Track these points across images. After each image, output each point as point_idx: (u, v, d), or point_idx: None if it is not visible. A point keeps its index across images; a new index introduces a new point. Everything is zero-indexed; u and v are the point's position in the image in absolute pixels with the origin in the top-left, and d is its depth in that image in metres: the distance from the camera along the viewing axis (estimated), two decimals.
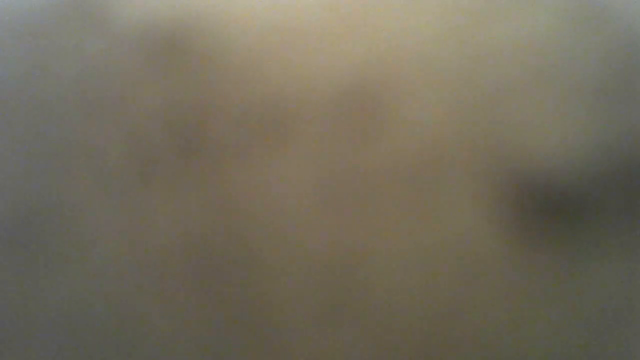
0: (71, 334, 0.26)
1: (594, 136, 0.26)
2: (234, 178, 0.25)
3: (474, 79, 0.26)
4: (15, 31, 0.28)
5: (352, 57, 0.26)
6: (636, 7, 0.27)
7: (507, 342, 0.26)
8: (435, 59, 0.26)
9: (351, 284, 0.25)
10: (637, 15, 0.27)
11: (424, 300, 0.25)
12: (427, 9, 0.26)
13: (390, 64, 0.26)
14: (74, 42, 0.27)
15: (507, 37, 0.26)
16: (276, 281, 0.25)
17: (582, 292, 0.26)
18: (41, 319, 0.26)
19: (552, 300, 0.26)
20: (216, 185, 0.25)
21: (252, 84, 0.26)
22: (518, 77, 0.26)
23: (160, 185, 0.26)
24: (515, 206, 0.26)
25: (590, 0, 0.27)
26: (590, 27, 0.27)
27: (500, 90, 0.26)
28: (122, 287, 0.26)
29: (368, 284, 0.25)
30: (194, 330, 0.26)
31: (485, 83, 0.26)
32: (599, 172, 0.26)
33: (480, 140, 0.26)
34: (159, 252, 0.26)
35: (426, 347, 0.25)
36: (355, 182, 0.25)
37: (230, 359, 0.26)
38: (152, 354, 0.26)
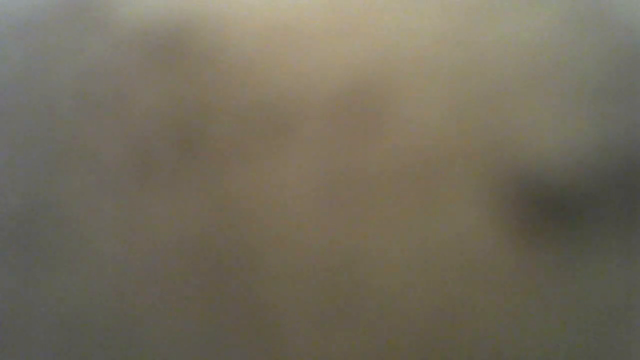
0: (71, 333, 0.26)
1: (594, 136, 0.26)
2: (234, 178, 0.25)
3: (474, 79, 0.26)
4: (15, 31, 0.28)
5: (353, 57, 0.26)
6: (636, 7, 0.27)
7: (507, 342, 0.26)
8: (435, 59, 0.26)
9: (352, 284, 0.25)
10: (637, 15, 0.27)
11: (425, 300, 0.25)
12: (427, 8, 0.26)
13: (390, 64, 0.26)
14: (74, 42, 0.27)
15: (507, 37, 0.26)
16: (277, 281, 0.25)
17: (582, 292, 0.26)
18: (41, 319, 0.26)
19: (552, 300, 0.26)
20: (216, 185, 0.25)
21: (253, 84, 0.26)
22: (518, 77, 0.26)
23: (161, 185, 0.26)
24: (515, 206, 0.26)
25: (590, 0, 0.27)
26: (591, 27, 0.27)
27: (500, 90, 0.26)
28: (122, 287, 0.26)
29: (368, 283, 0.25)
30: (193, 330, 0.26)
31: (486, 83, 0.26)
32: (599, 172, 0.26)
33: (480, 139, 0.26)
34: (159, 252, 0.26)
35: (426, 347, 0.25)
36: (355, 182, 0.25)
37: (230, 359, 0.26)
38: (151, 354, 0.26)
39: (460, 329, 0.25)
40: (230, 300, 0.25)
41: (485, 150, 0.25)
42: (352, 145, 0.25)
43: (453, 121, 0.26)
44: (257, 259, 0.25)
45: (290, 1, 0.26)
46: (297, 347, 0.25)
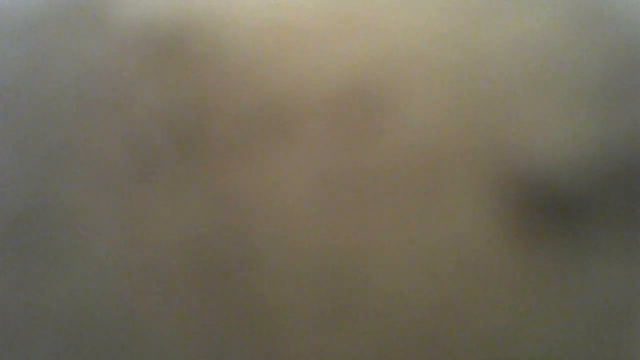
0: (71, 333, 0.26)
1: (594, 136, 0.26)
2: (234, 178, 0.25)
3: (474, 79, 0.26)
4: (15, 31, 0.28)
5: (352, 57, 0.26)
6: (636, 7, 0.27)
7: (507, 342, 0.26)
8: (435, 59, 0.26)
9: (352, 284, 0.25)
10: (637, 15, 0.27)
11: (425, 300, 0.25)
12: (427, 9, 0.26)
13: (390, 64, 0.26)
14: (74, 43, 0.27)
15: (507, 37, 0.26)
16: (277, 281, 0.25)
17: (582, 292, 0.26)
18: (41, 319, 0.26)
19: (552, 300, 0.26)
20: (216, 185, 0.25)
21: (252, 84, 0.26)
22: (518, 77, 0.26)
23: (161, 185, 0.26)
24: (515, 206, 0.26)
25: (590, 0, 0.27)
26: (591, 27, 0.27)
27: (500, 90, 0.26)
28: (122, 287, 0.26)
29: (369, 283, 0.25)
30: (194, 330, 0.26)
31: (485, 83, 0.26)
32: (599, 172, 0.26)
33: (480, 140, 0.26)
34: (159, 251, 0.26)
35: (427, 347, 0.25)
36: (355, 182, 0.25)
37: (230, 359, 0.26)
38: (152, 353, 0.26)
39: (461, 328, 0.25)
40: (230, 300, 0.25)
41: (485, 150, 0.25)
42: (352, 145, 0.25)
43: (453, 121, 0.26)
44: (257, 257, 0.25)
45: (290, 1, 0.26)
46: (297, 347, 0.25)
